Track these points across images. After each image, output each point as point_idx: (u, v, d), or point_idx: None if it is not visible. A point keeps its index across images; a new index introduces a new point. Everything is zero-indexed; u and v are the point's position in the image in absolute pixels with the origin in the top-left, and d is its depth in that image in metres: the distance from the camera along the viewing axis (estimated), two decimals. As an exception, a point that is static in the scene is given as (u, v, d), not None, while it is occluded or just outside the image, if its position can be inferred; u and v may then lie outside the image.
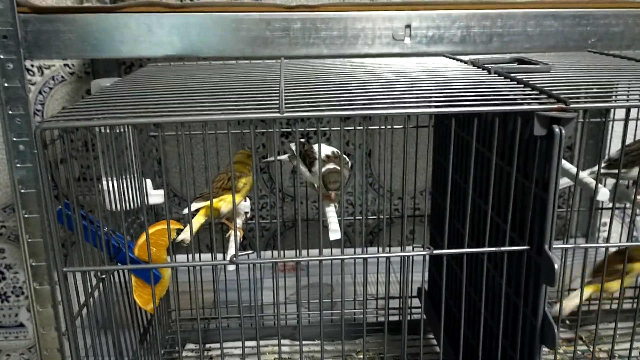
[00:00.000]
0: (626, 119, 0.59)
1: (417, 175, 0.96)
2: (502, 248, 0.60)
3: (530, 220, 0.58)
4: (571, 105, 0.53)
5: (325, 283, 1.20)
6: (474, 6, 0.98)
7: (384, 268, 0.90)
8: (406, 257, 0.60)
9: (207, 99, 0.59)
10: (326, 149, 0.84)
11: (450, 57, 0.91)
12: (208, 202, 0.79)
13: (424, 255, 0.60)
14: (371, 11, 0.96)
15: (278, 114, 0.53)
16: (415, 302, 1.10)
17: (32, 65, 1.48)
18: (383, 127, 0.94)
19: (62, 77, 1.48)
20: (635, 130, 1.01)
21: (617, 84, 0.63)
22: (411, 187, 1.05)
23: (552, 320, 0.58)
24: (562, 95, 0.56)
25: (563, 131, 0.53)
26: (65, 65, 1.48)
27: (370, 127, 1.01)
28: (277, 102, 0.57)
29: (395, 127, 0.98)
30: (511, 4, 0.99)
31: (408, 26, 0.98)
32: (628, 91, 0.62)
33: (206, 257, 1.01)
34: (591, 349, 0.96)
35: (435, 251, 0.60)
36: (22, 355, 1.70)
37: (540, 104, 0.55)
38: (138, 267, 0.67)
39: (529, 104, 0.55)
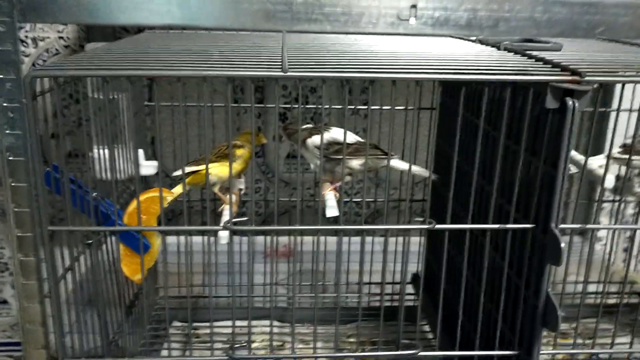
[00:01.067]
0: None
1: (417, 160, 0.93)
2: (507, 225, 0.58)
3: (536, 199, 0.56)
4: (586, 78, 0.51)
5: (319, 270, 1.19)
6: (482, -12, 0.95)
7: (377, 257, 0.88)
8: (406, 236, 0.58)
9: (207, 59, 0.57)
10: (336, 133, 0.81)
11: (457, 38, 0.89)
12: (199, 167, 0.77)
13: (425, 230, 0.57)
14: (377, -12, 0.94)
15: (281, 73, 0.50)
16: (409, 289, 1.08)
17: (27, 37, 1.44)
18: (387, 107, 0.91)
19: (57, 49, 1.45)
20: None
21: (631, 64, 0.61)
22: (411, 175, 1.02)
23: (555, 302, 0.56)
24: (577, 69, 0.54)
25: (577, 104, 0.51)
26: (60, 37, 1.45)
27: (373, 107, 0.98)
28: (280, 63, 0.54)
29: (397, 108, 0.95)
30: (520, -12, 0.96)
31: (414, 6, 0.95)
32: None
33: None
34: (585, 342, 0.95)
35: (437, 225, 0.58)
36: (5, 332, 1.67)
37: (553, 75, 0.53)
38: (126, 229, 0.64)
39: (541, 75, 0.53)
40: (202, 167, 0.77)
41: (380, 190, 1.44)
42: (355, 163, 0.80)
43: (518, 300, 0.61)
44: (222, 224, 0.58)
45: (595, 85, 0.52)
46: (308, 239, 1.13)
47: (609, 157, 0.65)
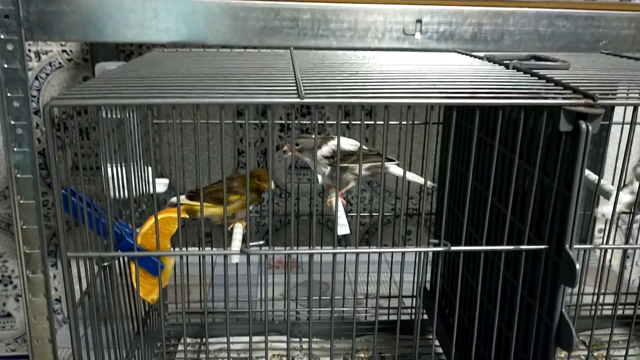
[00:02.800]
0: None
1: (423, 173, 0.94)
2: (521, 247, 0.58)
3: (550, 219, 0.57)
4: (599, 101, 0.52)
5: (323, 282, 1.19)
6: (487, 3, 0.96)
7: (380, 267, 0.88)
8: (422, 253, 0.58)
9: (222, 84, 0.57)
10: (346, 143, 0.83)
11: (462, 53, 0.90)
12: (191, 203, 0.78)
13: (440, 252, 0.58)
14: (383, 4, 0.95)
15: (297, 99, 0.51)
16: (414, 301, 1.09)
17: (30, 51, 1.45)
18: (396, 122, 0.92)
19: (60, 63, 1.45)
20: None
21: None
22: (412, 185, 1.03)
23: (569, 321, 0.56)
24: (588, 91, 0.54)
25: (590, 127, 0.52)
26: (63, 51, 1.45)
27: (378, 123, 0.99)
28: (295, 88, 0.55)
29: (403, 122, 0.96)
30: (524, 3, 0.97)
31: (419, 21, 0.96)
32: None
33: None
34: (594, 354, 0.95)
35: (452, 247, 0.58)
36: (9, 346, 1.67)
37: (565, 98, 0.53)
38: (145, 254, 0.65)
39: (554, 98, 0.53)
40: (196, 203, 0.79)
41: (386, 200, 1.45)
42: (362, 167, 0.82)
43: (531, 319, 0.61)
44: (233, 245, 0.59)
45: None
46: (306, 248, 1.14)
47: (622, 175, 0.65)
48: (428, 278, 0.93)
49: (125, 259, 0.72)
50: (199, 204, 0.77)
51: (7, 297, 1.66)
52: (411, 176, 0.81)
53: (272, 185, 0.79)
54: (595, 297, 0.71)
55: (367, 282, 1.18)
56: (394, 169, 0.84)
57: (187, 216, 0.75)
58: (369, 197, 1.51)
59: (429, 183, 0.90)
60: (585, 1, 0.98)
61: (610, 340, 0.68)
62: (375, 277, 1.24)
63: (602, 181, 0.74)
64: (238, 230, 0.78)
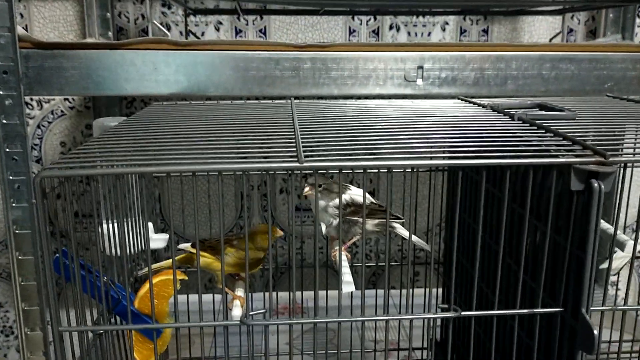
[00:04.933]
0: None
1: (428, 217, 0.92)
2: (535, 310, 0.55)
3: (564, 281, 0.54)
4: (610, 159, 0.50)
5: (330, 329, 1.16)
6: (489, 48, 0.95)
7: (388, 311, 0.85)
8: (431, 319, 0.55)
9: (219, 144, 0.56)
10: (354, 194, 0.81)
11: (465, 100, 0.89)
12: (192, 251, 0.76)
13: (451, 318, 0.55)
14: (383, 51, 0.94)
15: (297, 164, 0.49)
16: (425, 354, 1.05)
17: (32, 99, 1.45)
18: (400, 170, 0.91)
19: (62, 111, 1.45)
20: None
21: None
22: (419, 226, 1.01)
23: (589, 390, 0.53)
24: (598, 147, 0.52)
25: (602, 186, 0.49)
26: (65, 99, 1.45)
27: (381, 170, 0.97)
28: (295, 149, 0.53)
29: (407, 170, 0.94)
30: (526, 47, 0.96)
31: (420, 67, 0.95)
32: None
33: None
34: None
35: (463, 313, 0.56)
36: (10, 399, 1.63)
37: (575, 156, 0.51)
38: (140, 327, 0.62)
39: (563, 156, 0.51)
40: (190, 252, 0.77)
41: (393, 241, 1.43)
42: (370, 224, 0.80)
43: (549, 384, 0.58)
44: (233, 311, 0.56)
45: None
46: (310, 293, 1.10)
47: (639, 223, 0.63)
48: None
49: (123, 322, 0.70)
50: (200, 253, 0.75)
51: (9, 347, 1.63)
52: (416, 240, 0.80)
53: (279, 233, 0.77)
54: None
55: (375, 329, 1.15)
56: (400, 230, 0.83)
57: (186, 277, 0.72)
58: (374, 240, 1.48)
59: (426, 246, 0.89)
60: (588, 43, 0.96)
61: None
62: (381, 323, 1.21)
63: (623, 236, 0.72)
64: (240, 289, 0.76)
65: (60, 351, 0.54)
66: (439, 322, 0.96)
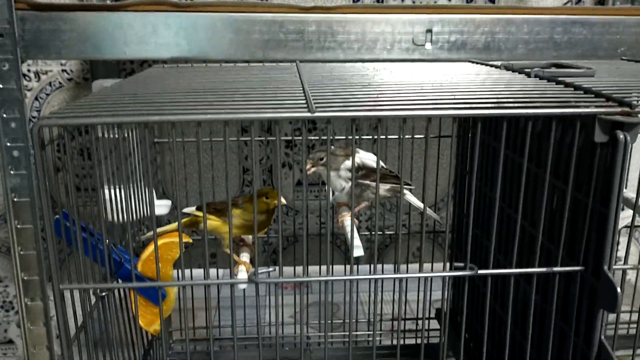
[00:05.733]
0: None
1: (435, 190, 0.90)
2: (554, 269, 0.53)
3: (585, 239, 0.52)
4: (637, 109, 0.47)
5: (334, 303, 1.14)
6: (499, 11, 0.92)
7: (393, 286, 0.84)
8: (447, 277, 0.53)
9: (225, 99, 0.53)
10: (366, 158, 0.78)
11: (477, 63, 0.86)
12: (197, 214, 0.74)
13: (467, 276, 0.53)
14: (391, 14, 0.91)
15: (308, 114, 0.46)
16: (434, 323, 1.04)
17: (29, 71, 1.42)
18: (408, 136, 0.88)
19: (60, 83, 1.42)
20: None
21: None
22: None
23: (609, 348, 0.51)
24: (623, 98, 0.50)
25: (628, 137, 0.47)
26: (63, 70, 1.42)
27: (390, 137, 0.95)
28: (305, 101, 0.51)
29: (416, 136, 0.92)
30: (538, 10, 0.93)
31: (429, 31, 0.92)
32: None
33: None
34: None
35: (480, 271, 0.54)
36: (11, 374, 1.62)
37: (599, 107, 0.49)
38: (144, 285, 0.60)
39: (587, 107, 0.49)
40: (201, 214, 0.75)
41: (395, 217, 1.41)
42: (381, 189, 0.78)
43: (565, 347, 0.56)
44: (239, 272, 0.54)
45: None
46: (316, 268, 1.09)
47: None
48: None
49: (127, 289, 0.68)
50: (207, 216, 0.73)
51: (9, 323, 1.61)
52: (427, 211, 0.77)
53: (282, 201, 0.74)
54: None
55: (381, 302, 1.13)
56: (410, 197, 0.80)
57: (190, 240, 0.70)
58: (379, 213, 1.46)
59: (435, 215, 0.87)
60: (601, 7, 0.93)
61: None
62: (386, 296, 1.19)
63: (630, 194, 0.70)
64: (245, 254, 0.74)
65: (62, 313, 0.52)
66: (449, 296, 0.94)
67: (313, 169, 0.76)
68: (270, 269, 0.53)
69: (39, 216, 0.42)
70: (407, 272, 0.94)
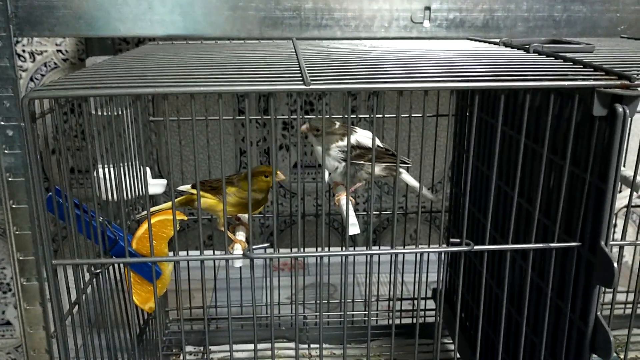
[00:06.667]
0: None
1: (433, 172, 0.90)
2: (551, 245, 0.53)
3: (582, 215, 0.52)
4: (636, 82, 0.47)
5: (330, 284, 1.14)
6: (498, -12, 0.91)
7: (388, 268, 0.84)
8: (441, 253, 0.53)
9: (219, 72, 0.52)
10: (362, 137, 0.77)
11: (476, 40, 0.85)
12: (192, 192, 0.73)
13: (463, 252, 0.53)
14: (389, -9, 0.90)
15: (303, 86, 0.46)
16: (431, 304, 1.04)
17: (24, 51, 1.40)
18: (405, 115, 0.87)
19: (55, 63, 1.41)
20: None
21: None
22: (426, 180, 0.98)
23: (605, 324, 0.51)
24: (622, 72, 0.49)
25: (627, 111, 0.46)
26: (58, 51, 1.41)
27: (387, 116, 0.94)
28: (300, 75, 0.50)
29: (413, 115, 0.91)
30: (538, -13, 0.92)
31: (428, 8, 0.91)
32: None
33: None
34: (621, 356, 0.90)
35: (476, 247, 0.53)
36: (9, 355, 1.63)
37: (597, 80, 0.48)
38: (138, 260, 0.60)
39: (585, 80, 0.48)
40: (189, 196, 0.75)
41: (392, 199, 1.40)
42: (377, 169, 0.77)
43: (561, 324, 0.56)
44: (235, 248, 0.54)
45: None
46: (313, 249, 1.09)
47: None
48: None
49: (121, 265, 0.68)
50: (201, 194, 0.73)
51: (7, 305, 1.61)
52: (423, 190, 0.76)
53: (281, 176, 0.72)
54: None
55: (377, 283, 1.13)
56: (405, 176, 0.80)
57: (185, 218, 0.70)
58: (376, 195, 1.46)
59: (430, 195, 0.86)
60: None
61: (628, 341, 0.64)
62: (383, 277, 1.19)
63: (628, 172, 0.69)
64: (241, 232, 0.74)
65: (55, 289, 0.52)
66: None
67: (306, 129, 0.76)
68: (266, 244, 0.53)
69: (30, 174, 0.42)
70: (403, 255, 0.94)
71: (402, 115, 0.92)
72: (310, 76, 0.49)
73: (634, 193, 0.64)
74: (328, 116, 0.91)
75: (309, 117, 1.28)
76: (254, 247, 0.52)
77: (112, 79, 0.49)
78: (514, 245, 0.54)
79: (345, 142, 0.74)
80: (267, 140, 1.40)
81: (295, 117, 1.31)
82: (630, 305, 1.05)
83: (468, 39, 0.89)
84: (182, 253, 0.68)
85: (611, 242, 0.50)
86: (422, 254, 0.55)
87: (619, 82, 0.47)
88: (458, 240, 0.53)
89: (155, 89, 0.45)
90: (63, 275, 0.59)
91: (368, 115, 1.08)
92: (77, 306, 0.59)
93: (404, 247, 0.54)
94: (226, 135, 1.34)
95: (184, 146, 1.30)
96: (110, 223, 0.65)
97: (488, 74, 0.50)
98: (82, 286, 0.56)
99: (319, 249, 0.57)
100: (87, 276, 0.63)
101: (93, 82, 0.48)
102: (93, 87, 0.45)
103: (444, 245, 0.54)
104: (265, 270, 0.52)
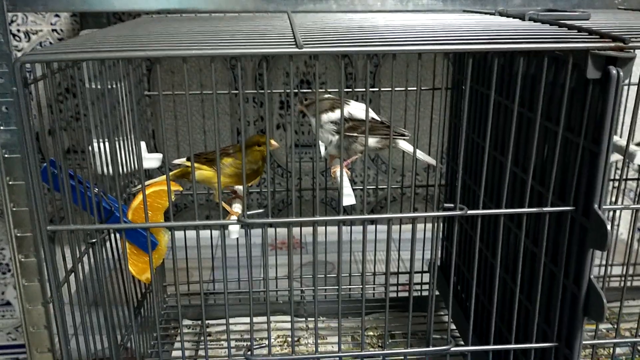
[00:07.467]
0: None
1: (430, 142, 0.90)
2: (545, 209, 0.53)
3: (576, 179, 0.52)
4: (631, 44, 0.47)
5: (328, 262, 1.15)
6: (495, -41, 0.90)
7: (385, 246, 0.84)
8: (434, 224, 0.53)
9: (212, 39, 0.52)
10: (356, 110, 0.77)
11: (472, 12, 0.84)
12: (188, 164, 0.73)
13: (455, 220, 0.53)
14: (385, -37, 0.89)
15: (296, 49, 0.45)
16: (427, 278, 1.04)
17: (19, 31, 1.40)
18: (402, 88, 0.87)
19: (50, 42, 1.40)
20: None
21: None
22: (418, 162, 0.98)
23: (599, 288, 0.51)
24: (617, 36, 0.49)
25: (621, 73, 0.46)
26: (53, 30, 1.40)
27: (382, 89, 0.93)
28: (293, 39, 0.50)
29: (409, 89, 0.91)
30: (534, -42, 0.91)
31: (424, -20, 0.91)
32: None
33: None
34: (615, 327, 0.91)
35: (469, 211, 0.53)
36: (9, 335, 1.64)
37: (591, 42, 0.48)
38: (133, 226, 0.60)
39: (579, 42, 0.48)
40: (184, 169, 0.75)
41: (387, 177, 1.40)
42: (371, 141, 0.76)
43: (555, 289, 0.56)
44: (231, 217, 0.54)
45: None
46: (309, 229, 1.09)
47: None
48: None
49: (117, 235, 0.68)
50: (197, 165, 0.72)
51: (6, 285, 1.62)
52: (420, 155, 0.75)
53: (274, 144, 0.72)
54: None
55: (374, 260, 1.14)
56: (403, 144, 0.79)
57: (180, 188, 0.69)
58: (373, 175, 1.46)
59: (430, 159, 0.85)
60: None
61: (620, 312, 0.64)
62: (380, 255, 1.20)
63: (621, 140, 0.69)
64: (237, 205, 0.74)
65: (51, 255, 0.52)
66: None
67: (302, 108, 0.76)
68: (261, 210, 0.53)
69: (24, 135, 0.42)
70: (400, 232, 0.94)
71: (398, 89, 0.92)
72: (304, 42, 0.49)
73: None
74: (323, 90, 0.91)
75: (304, 91, 1.28)
76: (248, 212, 0.52)
77: (105, 45, 0.49)
78: (508, 209, 0.54)
79: (336, 114, 0.73)
80: (264, 119, 1.40)
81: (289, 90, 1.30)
82: (629, 279, 1.05)
83: (464, 10, 0.88)
84: (180, 233, 0.68)
85: (604, 206, 0.50)
86: (416, 220, 0.55)
87: (613, 44, 0.47)
88: (452, 205, 0.53)
89: (147, 52, 0.45)
90: (60, 250, 0.59)
91: (364, 89, 1.08)
92: (73, 275, 0.59)
93: (400, 230, 0.54)
94: (223, 114, 1.34)
95: (179, 120, 1.30)
96: (105, 194, 0.65)
97: (482, 39, 0.49)
98: (78, 253, 0.56)
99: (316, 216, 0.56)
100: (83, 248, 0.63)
101: (85, 47, 0.48)
102: (85, 51, 0.45)
103: (439, 211, 0.54)
104: (263, 236, 0.52)
